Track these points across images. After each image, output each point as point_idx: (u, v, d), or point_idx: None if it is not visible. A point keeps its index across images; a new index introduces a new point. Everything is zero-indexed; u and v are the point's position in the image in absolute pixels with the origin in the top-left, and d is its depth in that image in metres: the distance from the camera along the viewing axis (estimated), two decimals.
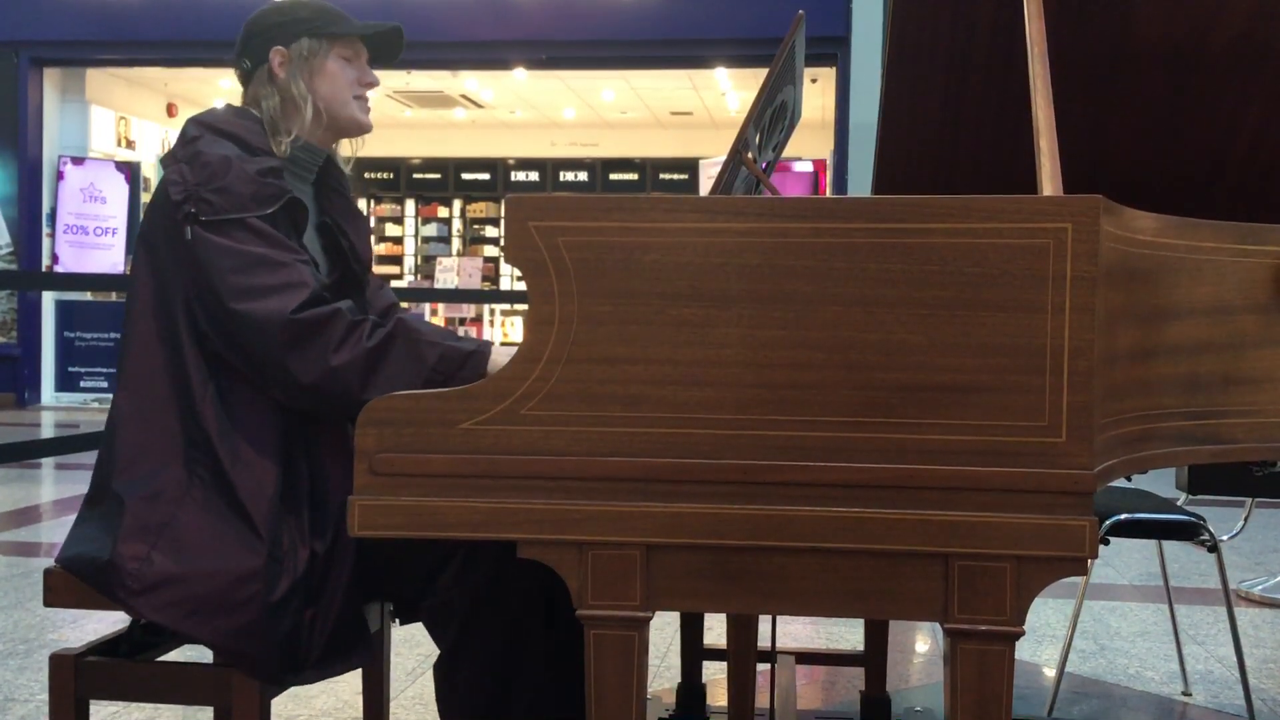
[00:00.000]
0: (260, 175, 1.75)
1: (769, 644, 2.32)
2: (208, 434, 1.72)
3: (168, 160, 1.80)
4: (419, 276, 15.92)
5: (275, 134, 1.85)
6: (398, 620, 2.01)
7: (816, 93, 11.40)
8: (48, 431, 9.48)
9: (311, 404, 1.71)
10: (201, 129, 1.82)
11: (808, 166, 10.98)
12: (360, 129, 1.95)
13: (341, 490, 1.70)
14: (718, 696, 2.89)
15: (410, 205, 16.35)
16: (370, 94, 1.96)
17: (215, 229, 1.71)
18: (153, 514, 1.71)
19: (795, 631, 3.66)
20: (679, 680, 2.66)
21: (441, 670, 1.84)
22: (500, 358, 1.67)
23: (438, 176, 16.33)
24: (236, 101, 1.95)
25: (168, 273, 1.76)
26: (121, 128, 12.32)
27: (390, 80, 12.70)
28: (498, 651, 1.78)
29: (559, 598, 1.43)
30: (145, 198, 11.84)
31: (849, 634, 3.62)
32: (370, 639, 1.81)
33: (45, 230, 11.25)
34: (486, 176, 16.28)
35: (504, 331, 13.28)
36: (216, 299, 1.69)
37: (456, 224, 16.44)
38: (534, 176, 16.08)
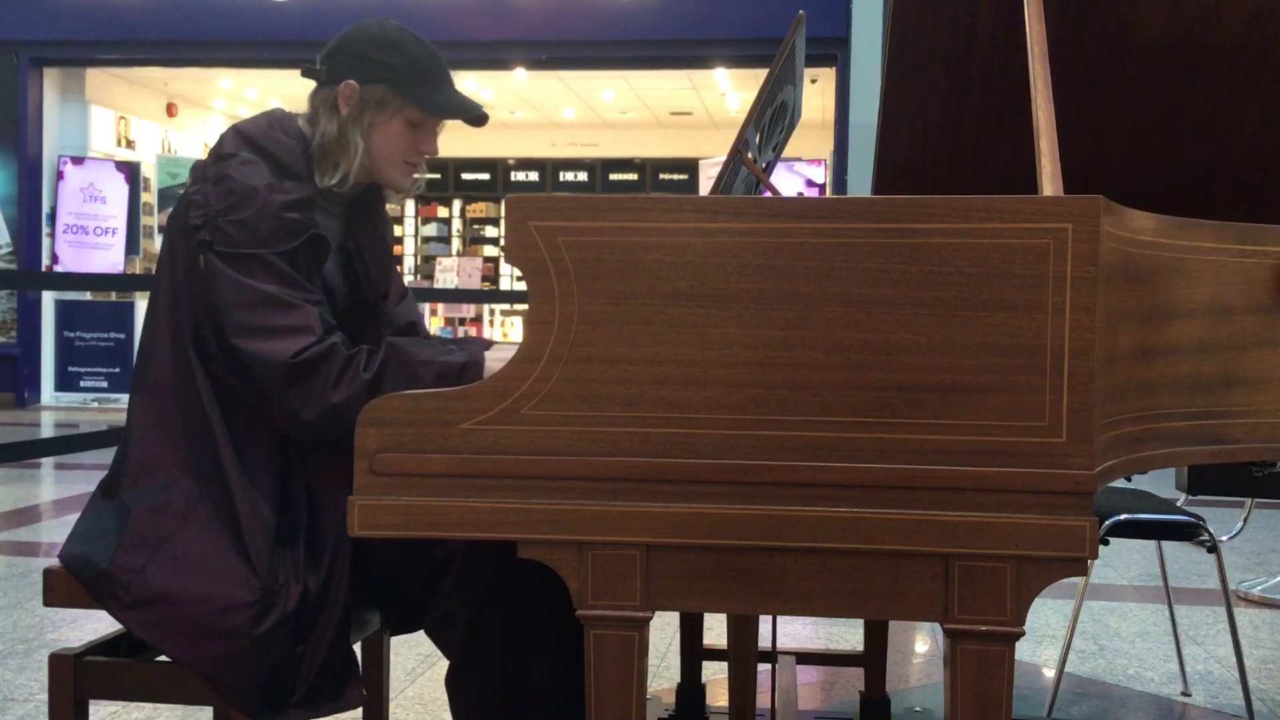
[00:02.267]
0: (284, 209, 1.71)
1: (769, 644, 2.32)
2: (217, 452, 1.71)
3: (197, 171, 1.76)
4: (419, 276, 15.91)
5: (321, 162, 1.80)
6: (389, 631, 2.00)
7: (816, 93, 11.40)
8: (47, 431, 9.47)
9: (315, 437, 1.70)
10: (239, 144, 1.77)
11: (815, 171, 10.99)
12: (396, 192, 1.89)
13: (338, 527, 1.69)
14: (717, 697, 2.89)
15: (410, 205, 16.33)
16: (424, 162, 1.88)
17: (229, 260, 1.68)
18: (155, 527, 1.70)
19: (795, 632, 3.66)
20: (679, 680, 2.66)
21: (453, 679, 1.83)
22: (495, 365, 1.66)
23: (437, 176, 16.31)
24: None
25: (185, 287, 1.74)
26: (121, 128, 12.32)
27: None
28: (505, 655, 1.78)
29: (565, 596, 1.43)
30: (145, 197, 11.84)
31: (849, 634, 3.62)
32: (360, 682, 1.76)
33: (45, 230, 11.25)
34: (486, 176, 16.27)
35: (504, 332, 13.28)
36: (222, 331, 1.68)
37: (456, 224, 16.44)
38: (534, 176, 16.07)
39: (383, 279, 1.96)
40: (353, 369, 1.65)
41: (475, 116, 1.83)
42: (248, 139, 1.78)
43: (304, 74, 1.86)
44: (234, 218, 1.68)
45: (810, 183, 10.90)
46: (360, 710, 2.16)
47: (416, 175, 1.88)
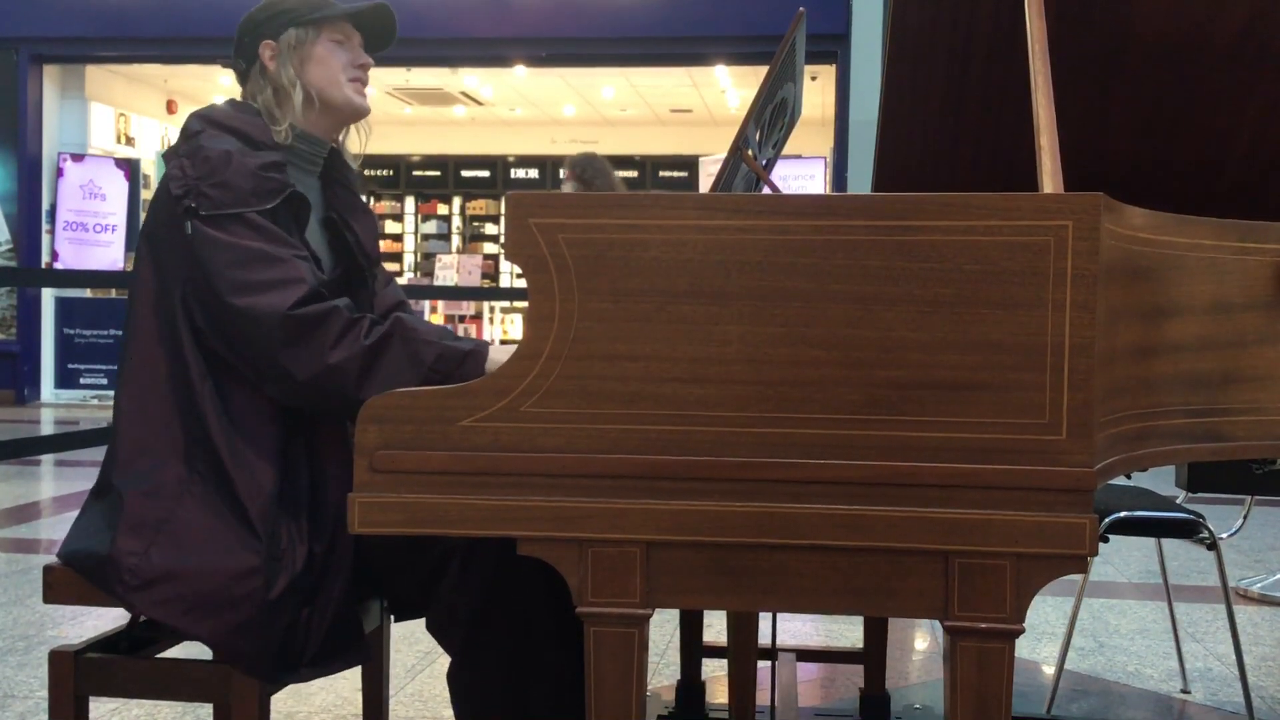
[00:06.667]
0: (261, 170, 1.75)
1: (769, 641, 2.32)
2: (207, 431, 1.72)
3: (169, 155, 1.81)
4: (419, 274, 15.91)
5: (273, 123, 1.86)
6: (394, 618, 2.01)
7: (816, 90, 11.40)
8: (47, 428, 9.47)
9: (307, 400, 1.71)
10: (203, 124, 1.83)
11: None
12: (356, 112, 1.94)
13: (341, 492, 1.69)
14: (717, 694, 2.89)
15: (410, 202, 16.35)
16: (368, 75, 1.96)
17: (214, 223, 1.71)
18: (152, 510, 1.71)
19: (795, 629, 3.67)
20: (679, 677, 2.66)
21: (454, 676, 1.84)
22: (499, 355, 1.67)
23: (437, 174, 16.32)
24: (237, 99, 1.95)
25: (168, 268, 1.76)
26: (121, 124, 12.32)
27: (390, 77, 12.69)
28: (508, 651, 1.78)
29: (566, 593, 1.43)
30: (145, 194, 11.84)
31: (848, 631, 3.63)
32: (365, 640, 1.81)
33: (45, 227, 11.25)
34: (486, 174, 16.27)
35: (504, 329, 13.28)
36: (214, 294, 1.70)
37: (456, 221, 16.44)
38: (534, 174, 16.07)
39: (372, 243, 2.01)
40: (354, 333, 1.66)
41: (379, 4, 1.94)
42: (211, 120, 1.85)
43: (225, 65, 1.94)
44: (214, 180, 1.73)
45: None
46: (361, 705, 2.16)
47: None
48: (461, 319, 13.32)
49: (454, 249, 15.89)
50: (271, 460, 1.72)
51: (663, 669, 3.19)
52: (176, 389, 1.75)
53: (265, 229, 1.72)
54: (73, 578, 1.77)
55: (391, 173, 16.22)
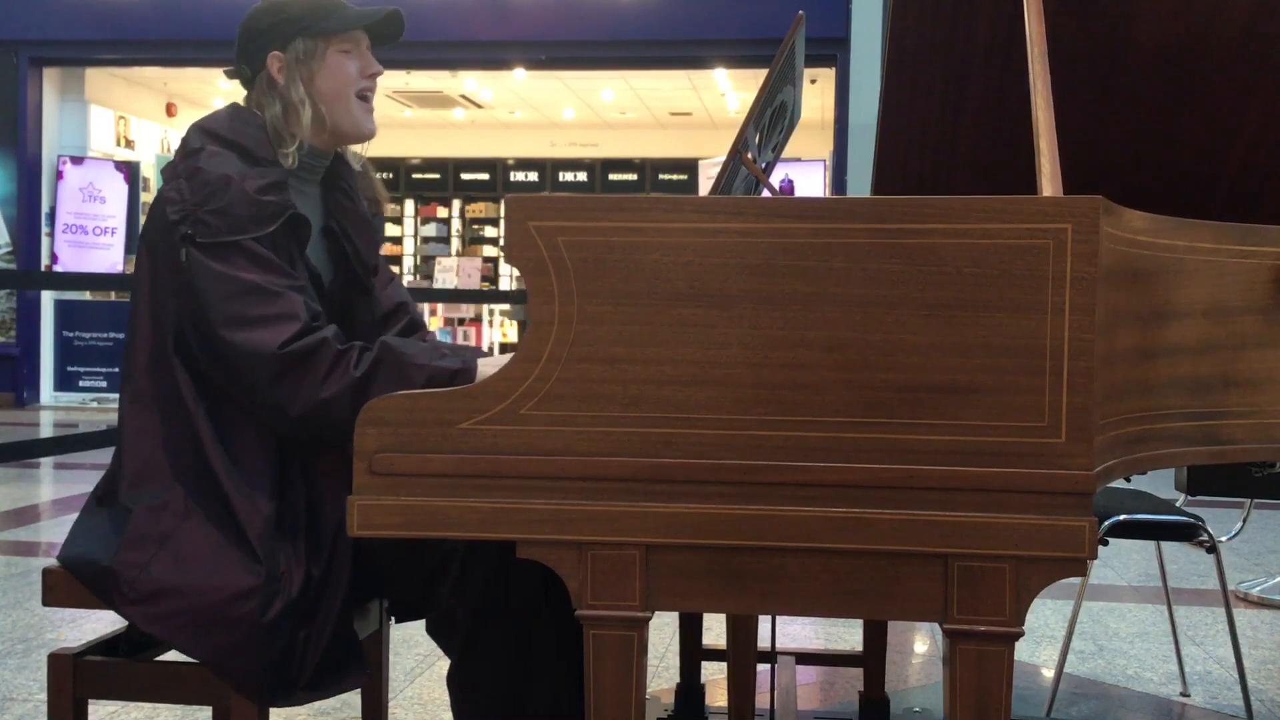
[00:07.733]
0: (260, 193, 1.72)
1: (768, 644, 2.32)
2: (204, 455, 1.71)
3: (168, 172, 1.78)
4: (418, 276, 15.91)
5: (280, 144, 1.82)
6: (394, 619, 2.01)
7: (816, 93, 11.40)
8: (46, 431, 9.47)
9: (301, 432, 1.70)
10: (204, 138, 1.79)
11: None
12: (360, 135, 1.90)
13: (338, 513, 1.69)
14: (717, 697, 2.89)
15: (409, 205, 16.35)
16: (376, 84, 1.92)
17: (211, 252, 1.68)
18: (156, 524, 1.70)
19: (794, 632, 3.66)
20: (678, 680, 2.66)
21: (454, 678, 1.83)
22: (487, 369, 1.66)
23: (437, 176, 16.33)
24: (237, 100, 1.94)
25: (162, 288, 1.75)
26: (121, 127, 12.32)
27: (390, 80, 12.68)
28: (506, 654, 1.78)
29: (565, 596, 1.43)
30: (145, 197, 11.83)
31: (848, 634, 3.62)
32: (364, 661, 1.79)
33: (44, 230, 11.24)
34: (486, 176, 16.27)
35: (503, 332, 13.28)
36: (208, 324, 1.68)
37: (455, 224, 16.44)
38: (533, 177, 16.07)
39: (371, 253, 1.98)
40: (344, 365, 1.65)
41: (391, 12, 1.88)
42: (211, 133, 1.80)
43: (230, 76, 1.91)
44: (212, 207, 1.70)
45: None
46: (360, 708, 2.16)
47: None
48: (461, 322, 13.32)
49: (453, 252, 15.90)
50: (268, 484, 1.72)
51: (662, 672, 3.19)
52: (172, 413, 1.74)
53: (262, 259, 1.69)
54: (72, 581, 1.77)
55: (391, 175, 16.22)
